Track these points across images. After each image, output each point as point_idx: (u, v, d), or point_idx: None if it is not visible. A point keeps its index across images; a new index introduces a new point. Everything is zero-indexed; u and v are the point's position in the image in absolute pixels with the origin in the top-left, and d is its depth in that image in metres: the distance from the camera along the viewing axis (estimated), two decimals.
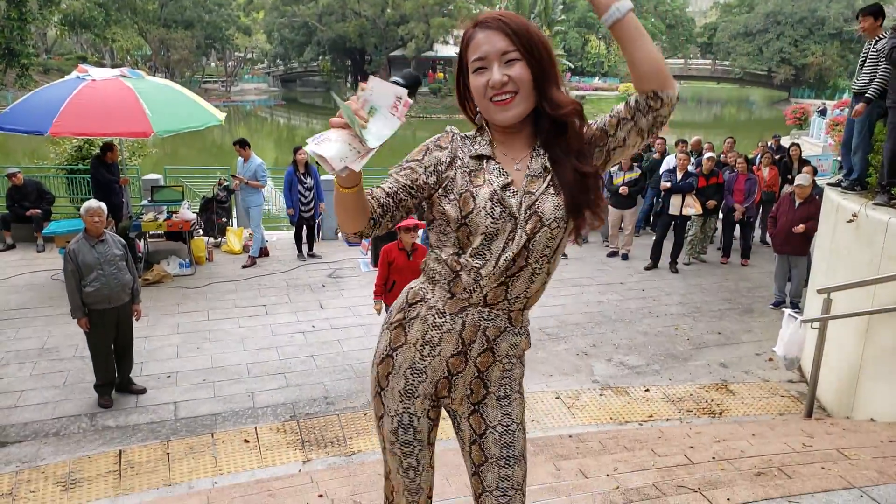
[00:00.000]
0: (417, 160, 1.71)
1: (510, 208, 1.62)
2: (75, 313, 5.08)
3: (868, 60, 5.93)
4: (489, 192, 1.62)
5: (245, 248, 9.64)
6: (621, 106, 1.66)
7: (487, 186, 1.63)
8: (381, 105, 1.45)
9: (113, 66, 49.56)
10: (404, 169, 1.70)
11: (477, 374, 1.77)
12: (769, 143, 12.20)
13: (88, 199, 6.24)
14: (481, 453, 1.80)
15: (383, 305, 5.62)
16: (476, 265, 1.65)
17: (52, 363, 5.97)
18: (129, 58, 52.48)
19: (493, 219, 1.61)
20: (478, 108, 1.69)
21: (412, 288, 1.80)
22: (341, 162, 1.41)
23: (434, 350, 1.74)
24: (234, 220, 10.71)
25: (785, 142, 20.62)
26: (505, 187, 1.64)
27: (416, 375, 1.78)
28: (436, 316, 1.72)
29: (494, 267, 1.64)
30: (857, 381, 4.96)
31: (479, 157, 1.68)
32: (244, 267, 9.06)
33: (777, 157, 11.06)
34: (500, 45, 1.58)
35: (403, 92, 1.45)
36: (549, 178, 1.66)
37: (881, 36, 5.87)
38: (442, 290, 1.71)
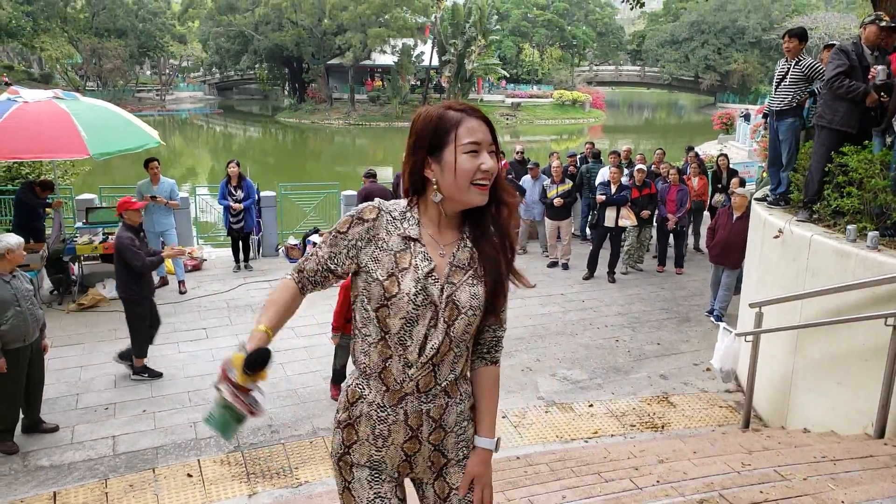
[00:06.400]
0: (342, 233, 1.77)
1: (431, 296, 1.68)
2: None
3: (789, 79, 6.18)
4: (414, 279, 1.67)
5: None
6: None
7: (413, 272, 1.68)
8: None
9: (41, 75, 47.61)
10: (330, 245, 1.79)
11: (433, 448, 1.81)
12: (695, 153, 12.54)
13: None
14: None
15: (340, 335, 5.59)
16: (400, 353, 1.70)
17: None
18: (58, 66, 50.49)
19: (415, 305, 1.67)
20: (435, 185, 1.70)
21: (349, 386, 1.83)
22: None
23: (386, 442, 1.78)
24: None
25: (714, 147, 21.23)
26: (428, 274, 1.69)
27: (375, 465, 1.82)
28: (378, 411, 1.76)
29: (420, 356, 1.70)
30: (789, 392, 5.18)
31: (407, 238, 1.72)
32: (182, 293, 8.76)
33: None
34: (489, 137, 1.70)
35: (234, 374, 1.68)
36: (472, 270, 1.74)
37: (801, 57, 6.16)
38: (377, 383, 1.76)
